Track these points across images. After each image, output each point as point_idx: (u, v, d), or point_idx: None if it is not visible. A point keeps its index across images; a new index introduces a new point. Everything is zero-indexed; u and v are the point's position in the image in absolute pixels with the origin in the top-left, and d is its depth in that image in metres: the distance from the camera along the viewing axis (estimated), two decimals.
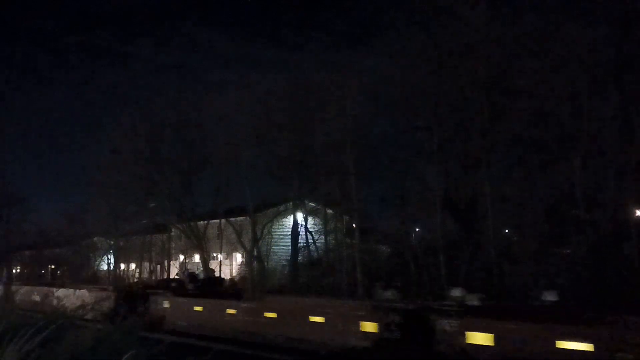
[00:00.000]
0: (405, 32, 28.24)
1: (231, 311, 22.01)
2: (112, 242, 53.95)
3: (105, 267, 58.59)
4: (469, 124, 28.10)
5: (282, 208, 40.43)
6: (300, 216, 38.56)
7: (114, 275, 54.60)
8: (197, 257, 45.53)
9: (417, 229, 33.08)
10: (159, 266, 51.75)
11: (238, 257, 45.59)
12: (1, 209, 58.67)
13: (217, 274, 43.20)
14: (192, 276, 33.95)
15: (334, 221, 36.90)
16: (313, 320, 18.76)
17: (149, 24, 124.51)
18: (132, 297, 27.19)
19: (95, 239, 56.38)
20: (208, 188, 42.54)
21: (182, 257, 49.06)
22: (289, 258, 39.04)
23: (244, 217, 40.95)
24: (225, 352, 16.10)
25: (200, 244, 42.19)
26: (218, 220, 42.42)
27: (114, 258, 55.27)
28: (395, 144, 32.86)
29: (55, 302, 28.52)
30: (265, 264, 38.83)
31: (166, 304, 25.62)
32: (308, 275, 35.28)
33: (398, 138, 32.96)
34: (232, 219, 41.75)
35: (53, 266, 65.80)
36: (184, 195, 42.21)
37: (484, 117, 27.12)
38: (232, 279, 40.21)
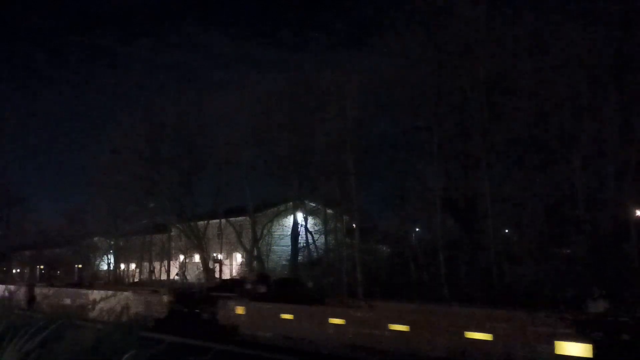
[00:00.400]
0: (405, 32, 28.24)
1: (337, 321, 17.62)
2: (112, 242, 53.96)
3: (105, 267, 58.59)
4: (469, 124, 28.10)
5: (282, 208, 40.45)
6: (300, 216, 38.57)
7: (114, 275, 54.60)
8: (197, 257, 45.56)
9: (417, 229, 33.08)
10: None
11: (238, 257, 45.59)
12: (1, 209, 58.70)
13: (216, 274, 43.22)
14: (263, 277, 29.73)
15: (334, 221, 36.91)
16: (471, 337, 13.96)
17: (149, 24, 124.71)
18: (192, 301, 23.76)
19: (95, 239, 56.37)
20: (208, 188, 42.61)
21: (182, 257, 49.07)
22: (289, 258, 39.05)
23: (244, 217, 40.98)
24: (225, 352, 16.03)
25: (200, 244, 42.21)
26: (218, 220, 42.44)
27: (114, 258, 55.27)
28: (395, 144, 32.89)
29: (90, 306, 25.41)
30: (265, 264, 38.82)
31: (240, 310, 21.41)
32: (308, 275, 35.28)
33: (398, 138, 33.01)
34: (232, 219, 41.77)
35: (80, 265, 60.92)
36: (184, 195, 42.24)
37: (484, 117, 27.12)
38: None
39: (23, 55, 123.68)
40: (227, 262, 46.39)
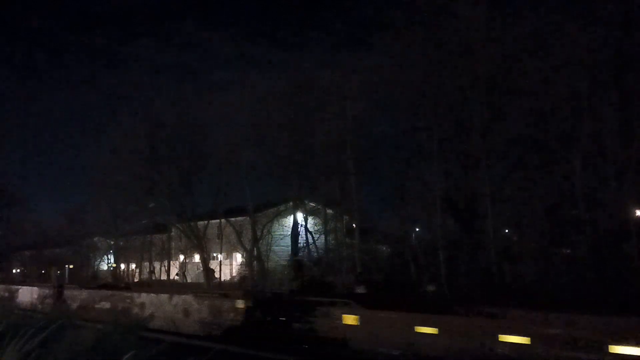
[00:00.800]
0: (405, 32, 28.22)
1: (514, 339, 12.96)
2: (112, 242, 53.96)
3: (105, 267, 58.63)
4: (469, 124, 28.10)
5: (282, 208, 40.44)
6: (300, 216, 38.55)
7: (114, 275, 54.64)
8: (197, 257, 45.56)
9: (417, 229, 33.06)
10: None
11: (238, 257, 45.59)
12: (1, 209, 58.71)
13: (217, 274, 43.19)
14: (362, 277, 25.85)
15: (334, 221, 36.90)
16: None
17: (149, 24, 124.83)
18: (277, 307, 20.00)
19: (95, 239, 56.36)
20: (208, 188, 42.60)
21: (182, 257, 49.08)
22: (288, 258, 39.04)
23: (244, 217, 40.97)
24: (225, 352, 15.98)
25: (200, 244, 42.20)
26: (218, 220, 42.42)
27: (114, 258, 55.29)
28: (395, 144, 32.88)
29: (136, 310, 22.83)
30: (265, 264, 38.81)
31: (350, 320, 17.37)
32: (308, 276, 35.28)
33: (398, 138, 32.97)
34: (232, 219, 41.77)
35: (114, 265, 56.26)
36: (184, 195, 42.24)
37: (484, 117, 27.11)
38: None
39: (23, 55, 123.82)
40: (227, 262, 46.39)
